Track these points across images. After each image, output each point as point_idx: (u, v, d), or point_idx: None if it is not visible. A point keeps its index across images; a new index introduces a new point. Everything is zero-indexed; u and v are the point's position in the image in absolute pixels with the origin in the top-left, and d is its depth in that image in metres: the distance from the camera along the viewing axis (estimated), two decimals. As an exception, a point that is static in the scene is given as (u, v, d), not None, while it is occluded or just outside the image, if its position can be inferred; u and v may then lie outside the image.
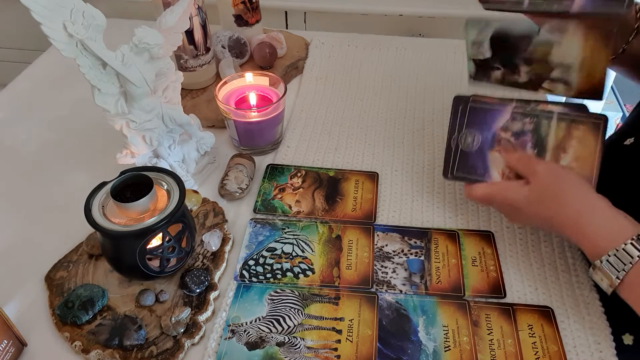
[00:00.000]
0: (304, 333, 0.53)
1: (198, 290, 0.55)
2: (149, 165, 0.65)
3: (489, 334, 0.53)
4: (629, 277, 0.48)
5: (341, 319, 0.54)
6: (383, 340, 0.53)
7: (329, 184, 0.69)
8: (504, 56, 0.58)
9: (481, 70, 0.59)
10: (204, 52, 0.79)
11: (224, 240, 0.61)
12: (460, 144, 0.60)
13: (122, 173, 0.54)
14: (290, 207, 0.66)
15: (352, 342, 0.52)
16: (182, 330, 0.52)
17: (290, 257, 0.60)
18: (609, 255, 0.49)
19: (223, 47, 0.84)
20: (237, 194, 0.66)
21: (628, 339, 0.54)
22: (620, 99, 1.72)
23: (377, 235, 0.63)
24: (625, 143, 0.62)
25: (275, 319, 0.54)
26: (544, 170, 0.55)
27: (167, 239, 0.53)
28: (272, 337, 0.53)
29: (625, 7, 0.49)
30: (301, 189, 0.68)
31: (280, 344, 0.52)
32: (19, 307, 0.56)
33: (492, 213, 0.65)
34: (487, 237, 0.62)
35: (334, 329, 0.53)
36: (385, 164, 0.72)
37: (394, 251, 0.61)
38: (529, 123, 0.57)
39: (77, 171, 0.71)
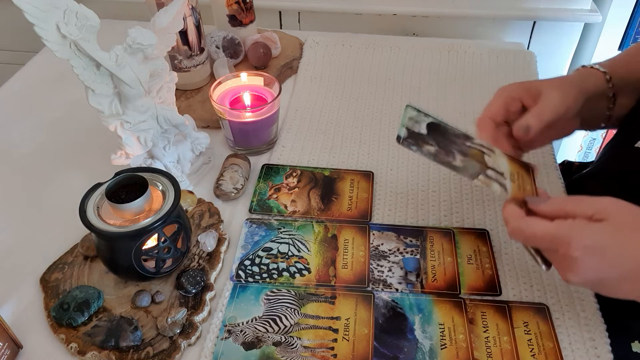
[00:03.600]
0: (300, 332, 0.53)
1: (194, 291, 0.55)
2: (144, 166, 0.65)
3: (484, 332, 0.53)
4: None
5: (337, 318, 0.54)
6: (379, 338, 0.53)
7: (325, 184, 0.69)
8: (439, 140, 0.55)
9: (413, 138, 0.54)
10: (198, 52, 0.79)
11: (220, 241, 0.61)
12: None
13: (116, 174, 0.54)
14: (285, 206, 0.66)
15: (348, 340, 0.52)
16: (178, 331, 0.52)
17: (286, 256, 0.60)
18: None
19: (217, 47, 0.84)
20: (233, 194, 0.66)
21: (637, 347, 0.54)
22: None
23: (373, 234, 0.63)
24: (636, 145, 0.60)
25: (272, 319, 0.54)
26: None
27: (162, 240, 0.53)
28: (269, 336, 0.53)
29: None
30: (297, 189, 0.68)
31: (276, 344, 0.52)
32: (14, 310, 0.56)
33: (487, 211, 0.66)
34: (482, 235, 0.63)
35: (330, 328, 0.54)
36: (380, 163, 0.72)
37: (389, 250, 0.61)
38: None
39: (72, 172, 0.71)
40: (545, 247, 0.48)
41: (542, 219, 0.47)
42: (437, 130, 0.56)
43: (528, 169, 0.57)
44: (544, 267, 0.49)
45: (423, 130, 0.55)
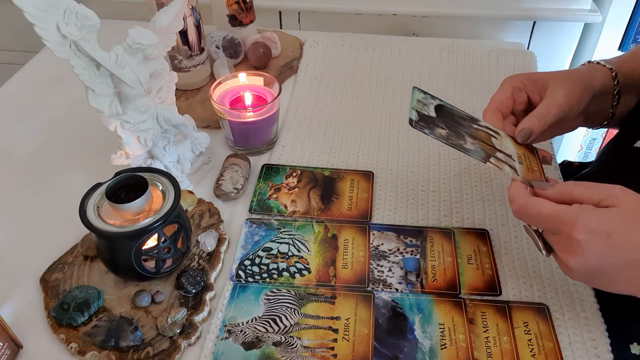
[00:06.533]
0: (300, 332, 0.53)
1: (194, 291, 0.55)
2: (144, 166, 0.65)
3: (484, 332, 0.53)
4: None
5: (337, 318, 0.54)
6: (379, 338, 0.53)
7: (325, 184, 0.69)
8: (448, 123, 0.56)
9: (424, 121, 0.54)
10: (198, 52, 0.79)
11: (220, 241, 0.61)
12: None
13: (116, 174, 0.54)
14: (285, 206, 0.66)
15: (348, 340, 0.52)
16: (178, 331, 0.52)
17: (286, 256, 0.60)
18: None
19: (217, 47, 0.84)
20: (233, 194, 0.66)
21: (636, 349, 0.53)
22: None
23: (373, 234, 0.63)
24: (635, 145, 0.60)
25: (272, 319, 0.54)
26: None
27: (162, 240, 0.53)
28: (269, 336, 0.53)
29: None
30: (297, 189, 0.68)
31: (276, 344, 0.52)
32: (14, 310, 0.56)
33: (487, 211, 0.66)
34: (482, 235, 0.63)
35: (330, 328, 0.54)
36: (380, 163, 0.72)
37: (389, 250, 0.61)
38: None
39: (72, 173, 0.71)
40: (549, 228, 0.48)
41: (549, 201, 0.47)
42: (444, 112, 0.56)
43: (532, 149, 0.57)
44: (544, 252, 0.49)
45: (432, 112, 0.55)
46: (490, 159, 0.52)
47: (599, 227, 0.44)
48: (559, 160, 0.78)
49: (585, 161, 0.83)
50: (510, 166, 0.53)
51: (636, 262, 0.44)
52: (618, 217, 0.45)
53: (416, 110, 0.55)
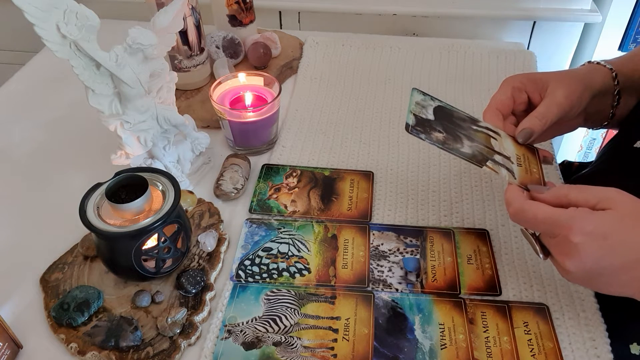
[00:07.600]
0: (300, 332, 0.53)
1: (194, 291, 0.55)
2: (144, 166, 0.65)
3: (484, 332, 0.53)
4: None
5: (337, 318, 0.54)
6: (379, 338, 0.53)
7: (325, 184, 0.69)
8: (446, 125, 0.55)
9: (421, 125, 0.54)
10: (198, 52, 0.79)
11: (220, 241, 0.61)
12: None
13: (116, 174, 0.54)
14: (285, 206, 0.66)
15: (348, 340, 0.52)
16: (178, 331, 0.52)
17: (286, 256, 0.60)
18: None
19: (217, 47, 0.84)
20: (233, 194, 0.66)
21: (636, 349, 0.53)
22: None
23: (373, 234, 0.63)
24: (635, 145, 0.60)
25: (272, 319, 0.54)
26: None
27: (162, 240, 0.53)
28: (269, 336, 0.53)
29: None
30: (297, 189, 0.68)
31: (276, 344, 0.52)
32: (14, 310, 0.56)
33: (487, 211, 0.66)
34: (482, 235, 0.63)
35: (330, 328, 0.54)
36: (380, 163, 0.72)
37: (389, 250, 0.61)
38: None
39: (72, 172, 0.71)
40: (546, 231, 0.48)
41: (545, 204, 0.48)
42: (443, 114, 0.56)
43: (532, 150, 0.57)
44: (541, 255, 0.49)
45: (430, 115, 0.55)
46: (487, 163, 0.52)
47: (595, 230, 0.44)
48: (559, 160, 0.78)
49: (585, 161, 0.83)
50: (507, 169, 0.52)
51: (633, 264, 0.45)
52: (614, 219, 0.45)
53: (414, 114, 0.55)
